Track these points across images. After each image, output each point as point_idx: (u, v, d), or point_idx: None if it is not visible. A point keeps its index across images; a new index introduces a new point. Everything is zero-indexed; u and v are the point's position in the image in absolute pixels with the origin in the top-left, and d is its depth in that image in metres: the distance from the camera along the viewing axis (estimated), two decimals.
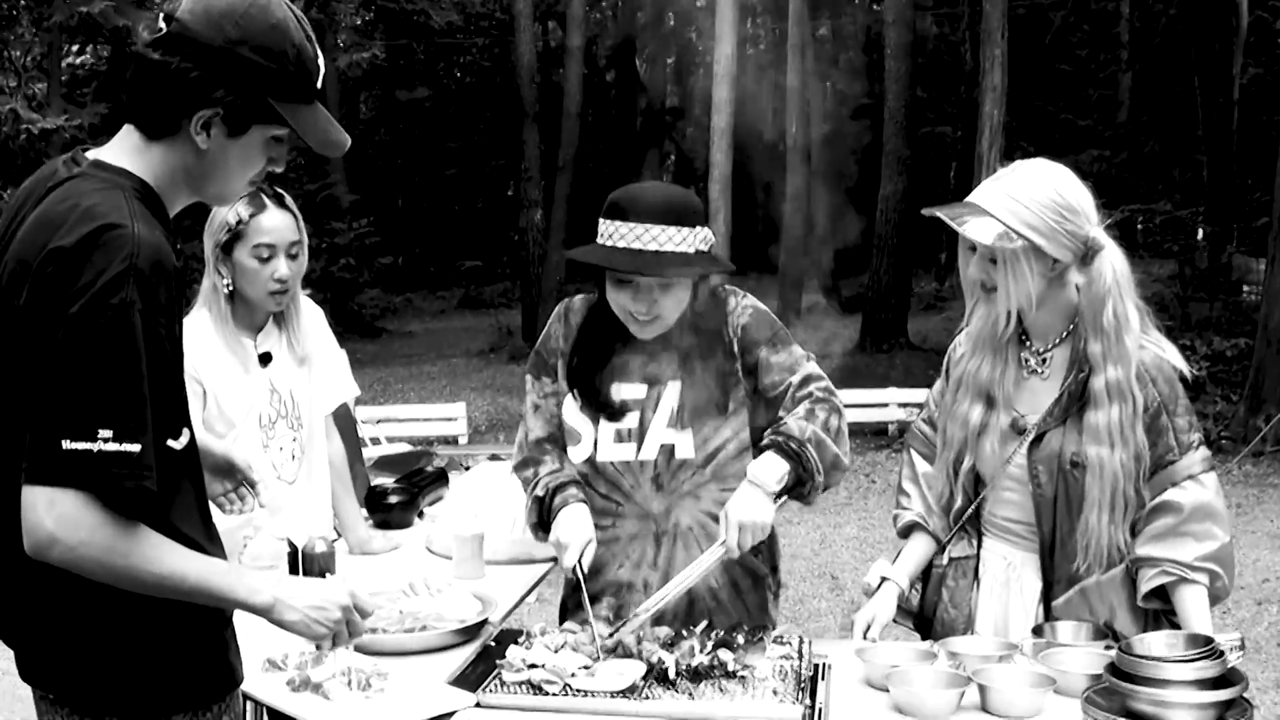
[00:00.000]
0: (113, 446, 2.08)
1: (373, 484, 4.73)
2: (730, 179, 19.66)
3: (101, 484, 2.09)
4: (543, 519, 3.39)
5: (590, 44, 30.47)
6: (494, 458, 8.87)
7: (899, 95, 21.83)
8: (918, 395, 14.97)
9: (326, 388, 4.26)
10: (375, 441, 11.94)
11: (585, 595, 3.21)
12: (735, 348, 3.38)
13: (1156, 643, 2.78)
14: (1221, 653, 2.70)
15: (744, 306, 3.43)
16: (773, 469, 3.20)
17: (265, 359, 3.99)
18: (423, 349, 26.37)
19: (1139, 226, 21.46)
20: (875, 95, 23.96)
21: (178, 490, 2.26)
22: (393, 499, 4.60)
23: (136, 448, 2.10)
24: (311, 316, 4.18)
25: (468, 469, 6.69)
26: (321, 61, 2.36)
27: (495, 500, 4.35)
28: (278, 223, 3.86)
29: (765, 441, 3.28)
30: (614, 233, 3.22)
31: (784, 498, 3.25)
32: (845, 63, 31.01)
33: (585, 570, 3.25)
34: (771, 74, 27.44)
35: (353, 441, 4.93)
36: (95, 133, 22.80)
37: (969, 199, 3.12)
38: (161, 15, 2.25)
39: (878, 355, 21.58)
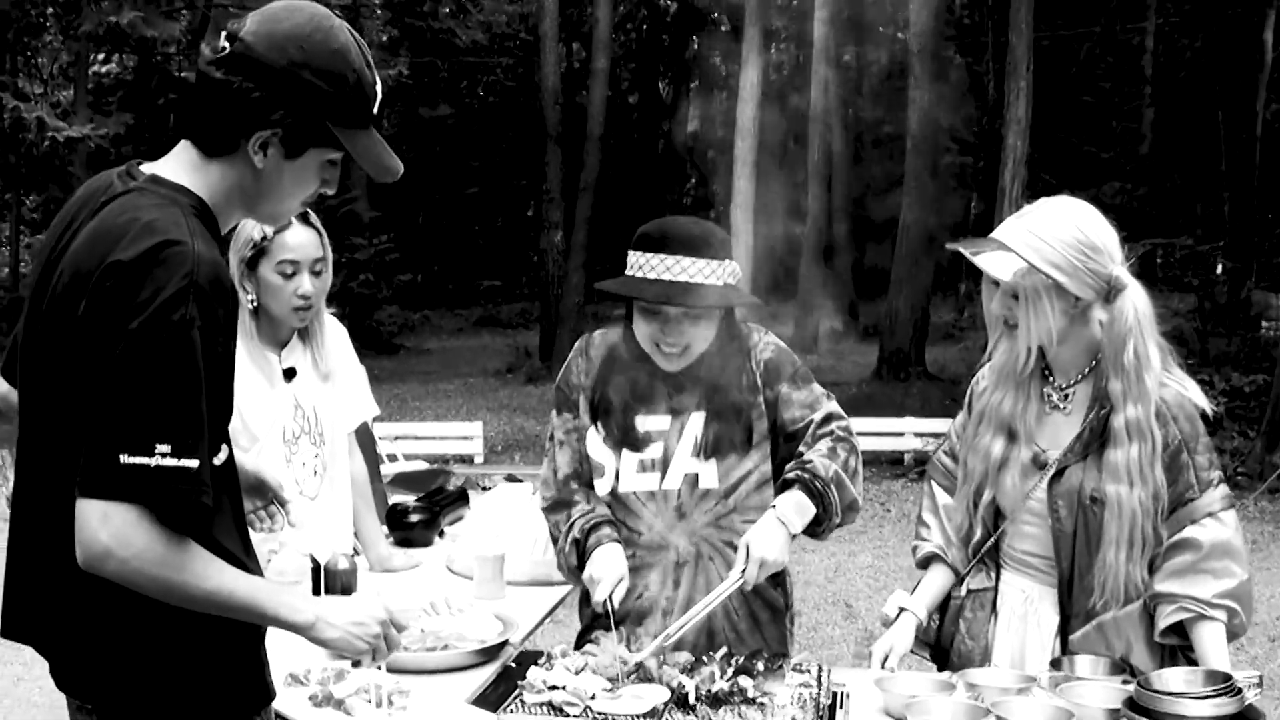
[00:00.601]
0: (170, 462, 2.09)
1: (393, 502, 4.75)
2: (753, 204, 19.70)
3: (157, 499, 2.10)
4: (581, 561, 3.42)
5: (614, 66, 30.55)
6: (511, 478, 8.85)
7: (921, 125, 21.84)
8: (934, 425, 14.96)
9: (349, 404, 4.29)
10: (392, 459, 11.93)
11: (614, 626, 3.24)
12: (758, 381, 3.42)
13: (1175, 678, 2.80)
14: (1240, 689, 2.71)
15: (766, 342, 3.48)
16: (801, 510, 3.27)
17: (290, 374, 4.02)
18: (440, 367, 26.43)
19: (1158, 260, 21.43)
20: (898, 124, 23.94)
21: (219, 506, 2.27)
22: (414, 517, 4.62)
23: (194, 463, 2.12)
24: (335, 334, 4.21)
25: (485, 489, 6.70)
26: (380, 88, 2.38)
27: (516, 521, 4.37)
28: (302, 239, 3.88)
29: (790, 476, 3.32)
30: (644, 264, 3.27)
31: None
32: (868, 91, 31.04)
33: (615, 606, 3.28)
34: (795, 100, 27.50)
35: (371, 459, 4.94)
36: (120, 141, 22.96)
37: (993, 235, 3.14)
38: (225, 34, 2.28)
39: (895, 384, 21.56)
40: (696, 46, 38.16)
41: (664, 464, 3.43)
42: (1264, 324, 21.92)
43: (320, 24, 2.29)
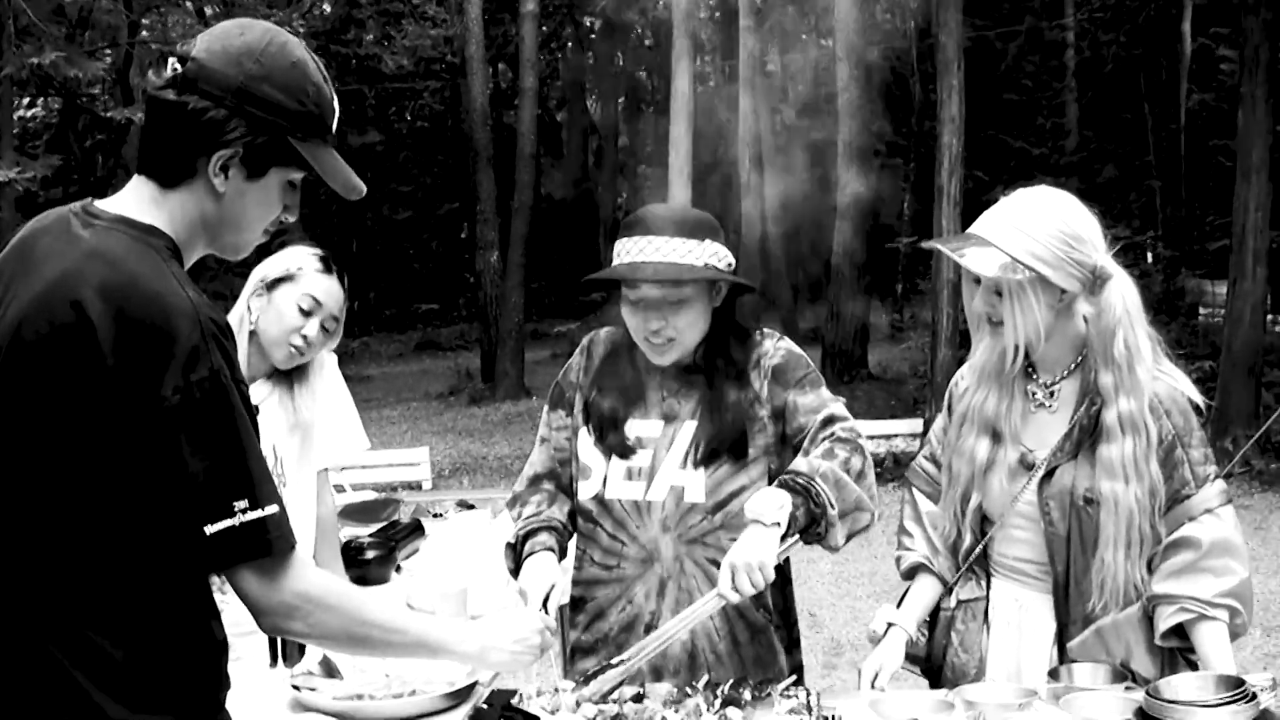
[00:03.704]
0: (253, 515, 2.07)
1: (346, 539, 4.57)
2: None
3: (259, 555, 2.09)
4: (517, 565, 3.29)
5: (542, 85, 30.43)
6: (463, 504, 8.69)
7: (850, 128, 21.86)
8: (883, 426, 14.86)
9: (330, 445, 4.11)
10: (339, 489, 11.73)
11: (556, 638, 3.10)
12: (765, 392, 3.23)
13: (1185, 685, 2.68)
14: (1254, 694, 2.59)
15: (778, 348, 3.29)
16: (770, 500, 2.95)
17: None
18: (381, 393, 26.13)
19: None
20: (827, 129, 23.96)
21: None
22: (369, 554, 4.44)
23: (275, 509, 2.10)
24: (330, 376, 4.12)
25: (437, 515, 6.54)
26: (337, 104, 2.31)
27: (475, 551, 4.22)
28: (334, 290, 3.87)
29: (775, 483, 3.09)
30: (623, 249, 3.17)
31: (795, 538, 3.03)
32: (795, 97, 31.06)
33: (550, 614, 3.08)
34: (724, 110, 27.48)
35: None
36: (48, 184, 22.64)
37: (971, 230, 3.02)
38: (174, 58, 2.17)
39: (839, 387, 21.50)
40: (622, 62, 38.10)
41: (650, 473, 3.25)
42: (1201, 311, 22.09)
43: (275, 38, 2.21)
